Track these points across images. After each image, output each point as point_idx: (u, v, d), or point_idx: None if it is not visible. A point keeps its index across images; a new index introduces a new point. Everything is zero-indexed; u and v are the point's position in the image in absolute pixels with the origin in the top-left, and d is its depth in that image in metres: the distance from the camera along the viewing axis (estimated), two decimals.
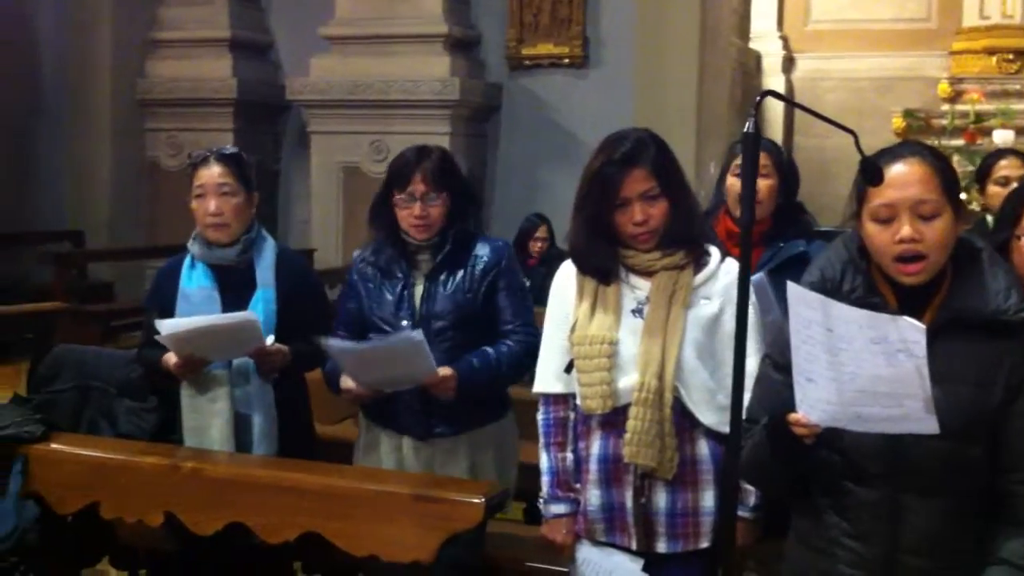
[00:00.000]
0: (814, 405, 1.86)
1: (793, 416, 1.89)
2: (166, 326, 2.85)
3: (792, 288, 1.85)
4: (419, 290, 2.86)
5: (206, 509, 2.76)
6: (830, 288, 1.98)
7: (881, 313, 1.79)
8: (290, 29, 8.42)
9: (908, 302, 1.95)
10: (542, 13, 7.70)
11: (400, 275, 2.86)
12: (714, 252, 2.45)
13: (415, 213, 2.81)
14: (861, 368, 1.78)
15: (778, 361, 2.03)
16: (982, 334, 1.91)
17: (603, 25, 7.56)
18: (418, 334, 2.63)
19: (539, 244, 6.29)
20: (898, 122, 9.67)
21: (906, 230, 1.90)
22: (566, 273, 2.52)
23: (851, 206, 2.02)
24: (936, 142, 9.41)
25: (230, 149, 3.16)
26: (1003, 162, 4.22)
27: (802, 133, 9.35)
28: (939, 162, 1.96)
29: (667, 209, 2.37)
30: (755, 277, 2.21)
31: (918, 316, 1.89)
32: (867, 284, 1.99)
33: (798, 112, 10.00)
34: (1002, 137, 8.83)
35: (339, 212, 7.72)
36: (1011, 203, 2.61)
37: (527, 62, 7.74)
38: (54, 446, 3.02)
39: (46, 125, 8.50)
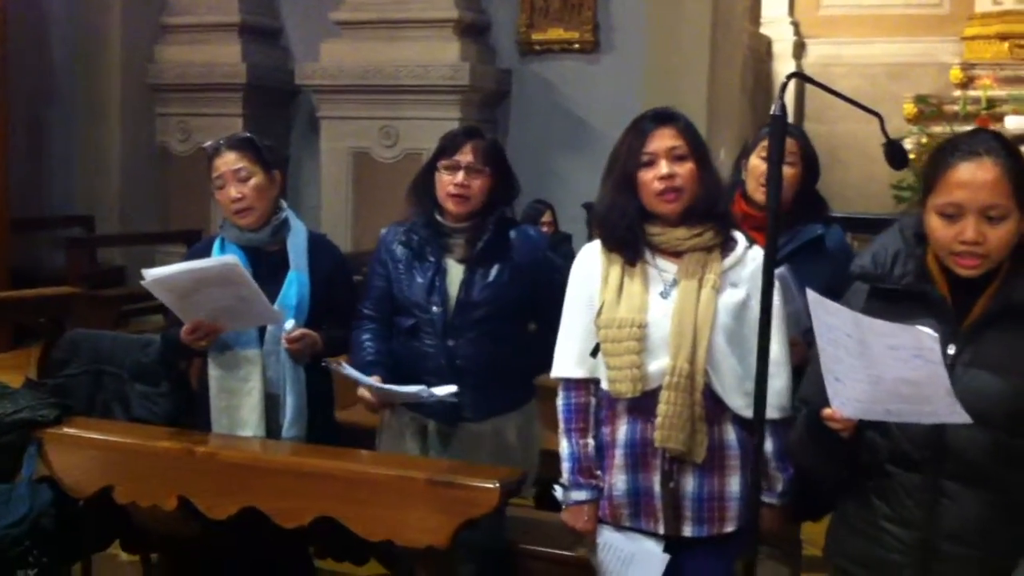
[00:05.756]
0: (845, 402, 1.88)
1: (827, 412, 1.91)
2: (150, 274, 2.82)
3: (812, 295, 1.87)
4: (454, 276, 2.84)
5: (221, 494, 2.76)
6: (880, 273, 1.98)
7: (897, 323, 1.78)
8: (300, 14, 8.36)
9: (961, 291, 1.94)
10: None
11: (432, 259, 2.84)
12: (740, 238, 2.43)
13: (457, 180, 2.79)
14: (883, 371, 1.80)
15: None
16: None
17: (614, 10, 7.49)
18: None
19: (545, 229, 6.26)
20: (910, 108, 9.59)
21: (970, 233, 1.88)
22: (589, 256, 2.49)
23: (919, 192, 1.97)
24: (948, 128, 9.35)
25: (241, 134, 3.14)
26: None
27: (814, 120, 9.29)
28: (1012, 161, 1.91)
29: (694, 173, 2.36)
30: (778, 270, 2.19)
31: (970, 305, 1.90)
32: (919, 270, 1.97)
33: (810, 98, 9.96)
34: (1015, 123, 8.76)
35: (349, 197, 7.68)
36: None
37: (537, 47, 7.66)
38: (68, 430, 3.01)
39: (57, 111, 8.46)
